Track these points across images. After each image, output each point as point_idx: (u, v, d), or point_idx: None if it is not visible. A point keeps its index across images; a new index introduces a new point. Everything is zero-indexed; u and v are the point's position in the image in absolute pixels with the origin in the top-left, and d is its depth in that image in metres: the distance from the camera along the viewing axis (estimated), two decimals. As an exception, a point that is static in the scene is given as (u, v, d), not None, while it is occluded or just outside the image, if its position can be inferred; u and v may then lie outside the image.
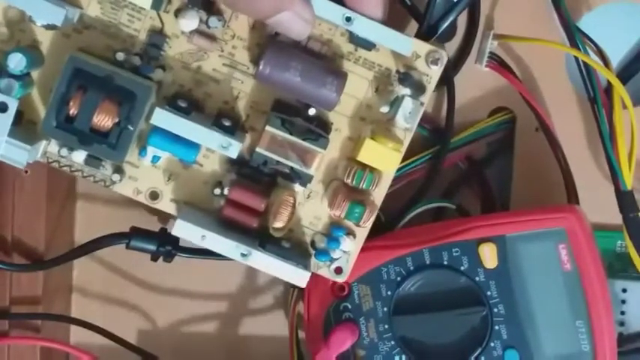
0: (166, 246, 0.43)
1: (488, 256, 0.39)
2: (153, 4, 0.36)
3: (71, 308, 0.48)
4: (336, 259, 0.40)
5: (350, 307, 0.41)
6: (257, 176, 0.39)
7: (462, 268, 0.40)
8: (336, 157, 0.40)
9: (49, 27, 0.38)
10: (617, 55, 0.44)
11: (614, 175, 0.41)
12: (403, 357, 0.41)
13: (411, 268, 0.40)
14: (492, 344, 0.40)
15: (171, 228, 0.38)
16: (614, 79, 0.40)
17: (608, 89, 0.41)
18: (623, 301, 0.44)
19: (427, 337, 0.40)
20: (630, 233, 0.41)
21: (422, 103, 0.38)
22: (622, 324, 0.44)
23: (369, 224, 0.40)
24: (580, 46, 0.41)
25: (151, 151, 0.39)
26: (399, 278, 0.40)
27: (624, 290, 0.44)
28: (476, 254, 0.40)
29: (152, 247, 0.43)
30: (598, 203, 0.42)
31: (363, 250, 0.40)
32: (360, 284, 0.41)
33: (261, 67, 0.37)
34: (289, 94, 0.38)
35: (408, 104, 0.38)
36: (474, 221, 0.40)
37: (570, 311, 0.39)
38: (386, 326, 0.41)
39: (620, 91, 0.40)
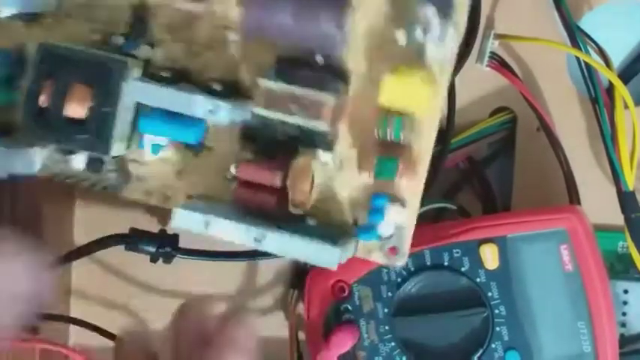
0: (166, 247, 0.43)
1: (490, 256, 0.39)
2: None
3: (70, 310, 0.48)
4: (387, 237, 0.33)
5: (350, 308, 0.41)
6: (274, 149, 0.34)
7: (463, 269, 0.40)
8: (363, 111, 0.33)
9: (27, 19, 0.35)
10: (618, 55, 0.44)
11: (616, 176, 0.40)
12: (404, 358, 0.40)
13: (412, 269, 0.40)
14: (493, 345, 0.40)
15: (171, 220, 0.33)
16: (615, 78, 0.40)
17: (610, 89, 0.41)
18: (625, 302, 0.44)
19: (428, 339, 0.40)
20: (632, 234, 0.41)
21: (452, 22, 0.32)
22: (623, 325, 0.44)
23: (415, 184, 0.32)
24: (581, 46, 0.40)
25: (147, 139, 0.35)
26: (399, 279, 0.40)
27: (626, 291, 0.44)
28: (477, 255, 0.39)
29: (151, 249, 0.43)
30: (599, 204, 0.42)
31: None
32: (360, 285, 0.41)
33: (244, 15, 0.32)
34: (288, 44, 0.33)
35: (434, 25, 0.31)
36: (475, 222, 0.40)
37: (572, 312, 0.39)
38: (386, 327, 0.41)
39: (621, 90, 0.40)
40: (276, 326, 0.47)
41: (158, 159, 0.36)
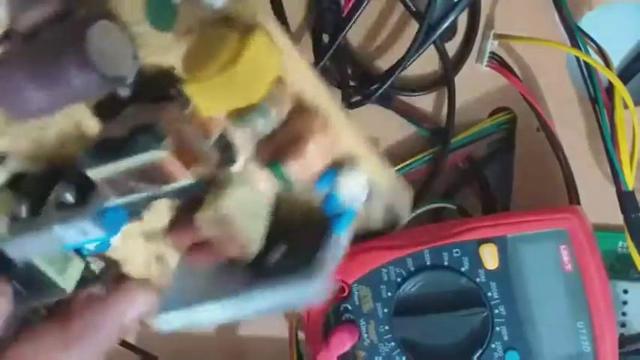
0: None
1: (489, 256, 0.39)
2: None
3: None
4: (367, 202, 0.27)
5: (350, 308, 0.41)
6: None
7: (463, 269, 0.40)
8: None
9: None
10: (618, 55, 0.44)
11: (616, 176, 0.40)
12: (403, 358, 0.40)
13: (412, 269, 0.40)
14: (493, 345, 0.40)
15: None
16: (615, 78, 0.40)
17: (609, 89, 0.41)
18: (625, 302, 0.44)
19: (428, 339, 0.40)
20: (632, 234, 0.41)
21: None
22: (623, 325, 0.44)
23: (346, 139, 0.24)
24: (581, 46, 0.40)
25: (86, 245, 0.30)
26: (399, 279, 0.40)
27: (625, 291, 0.44)
28: (476, 255, 0.39)
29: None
30: (599, 204, 0.42)
31: (362, 251, 0.40)
32: (360, 285, 0.41)
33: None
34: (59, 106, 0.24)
35: None
36: (474, 222, 0.40)
37: (571, 312, 0.39)
38: (386, 327, 0.41)
39: (621, 90, 0.40)
40: (276, 326, 0.47)
41: (120, 242, 0.30)
